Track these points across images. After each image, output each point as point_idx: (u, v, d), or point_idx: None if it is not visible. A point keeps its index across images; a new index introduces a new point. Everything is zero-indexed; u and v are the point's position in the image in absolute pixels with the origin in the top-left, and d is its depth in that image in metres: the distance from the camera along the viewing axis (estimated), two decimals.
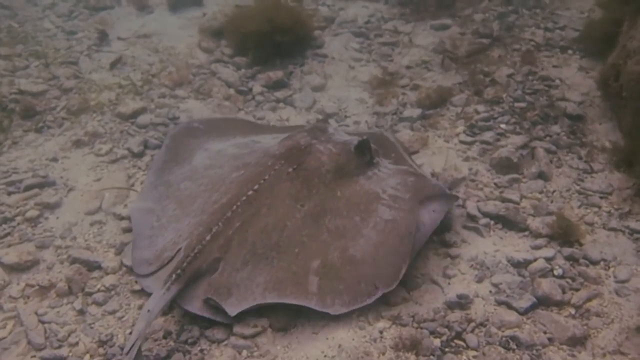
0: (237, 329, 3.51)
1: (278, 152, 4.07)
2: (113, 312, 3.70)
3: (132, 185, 4.73)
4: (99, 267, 3.97)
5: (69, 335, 3.54)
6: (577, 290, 3.83)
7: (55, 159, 4.97)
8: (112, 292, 3.82)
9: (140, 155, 5.04)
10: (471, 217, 4.39)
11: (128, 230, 4.25)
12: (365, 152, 4.16)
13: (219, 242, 3.64)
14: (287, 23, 6.26)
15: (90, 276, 3.92)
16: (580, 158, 5.01)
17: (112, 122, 5.43)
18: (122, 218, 4.38)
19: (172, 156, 4.50)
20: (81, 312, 3.68)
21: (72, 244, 4.17)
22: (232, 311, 3.45)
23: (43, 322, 3.61)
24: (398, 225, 3.75)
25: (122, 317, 3.67)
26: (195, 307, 3.55)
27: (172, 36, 6.97)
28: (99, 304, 3.74)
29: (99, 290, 3.82)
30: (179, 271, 3.50)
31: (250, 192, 3.82)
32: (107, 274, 3.93)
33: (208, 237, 3.64)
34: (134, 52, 6.62)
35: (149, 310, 3.29)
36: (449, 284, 3.89)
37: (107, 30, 6.95)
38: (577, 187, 4.72)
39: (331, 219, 3.79)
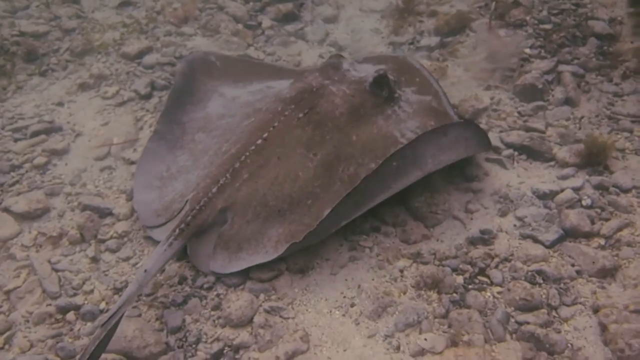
0: (253, 272, 3.41)
1: (288, 95, 3.83)
2: (127, 259, 3.62)
3: (141, 128, 4.57)
4: (110, 213, 3.87)
5: (83, 283, 3.47)
6: (607, 220, 3.66)
7: (61, 104, 4.82)
8: (125, 239, 3.73)
9: (147, 97, 4.86)
10: (494, 149, 4.17)
11: None
12: (383, 87, 3.88)
13: (225, 195, 3.48)
14: None
15: (102, 223, 3.82)
16: (610, 80, 4.72)
17: (117, 63, 5.23)
18: (132, 163, 4.24)
19: (187, 92, 4.22)
20: (95, 260, 3.61)
21: (82, 190, 4.07)
22: (241, 266, 3.38)
23: (57, 271, 3.54)
24: None
25: (136, 263, 3.59)
26: (204, 264, 3.44)
27: None
28: (112, 251, 3.67)
29: (111, 237, 3.74)
30: (182, 225, 3.35)
31: (259, 141, 3.61)
32: (119, 220, 3.83)
33: (214, 190, 3.48)
34: None
35: (145, 271, 3.10)
36: (471, 219, 3.73)
37: None
38: (607, 112, 4.47)
39: (345, 167, 3.57)
